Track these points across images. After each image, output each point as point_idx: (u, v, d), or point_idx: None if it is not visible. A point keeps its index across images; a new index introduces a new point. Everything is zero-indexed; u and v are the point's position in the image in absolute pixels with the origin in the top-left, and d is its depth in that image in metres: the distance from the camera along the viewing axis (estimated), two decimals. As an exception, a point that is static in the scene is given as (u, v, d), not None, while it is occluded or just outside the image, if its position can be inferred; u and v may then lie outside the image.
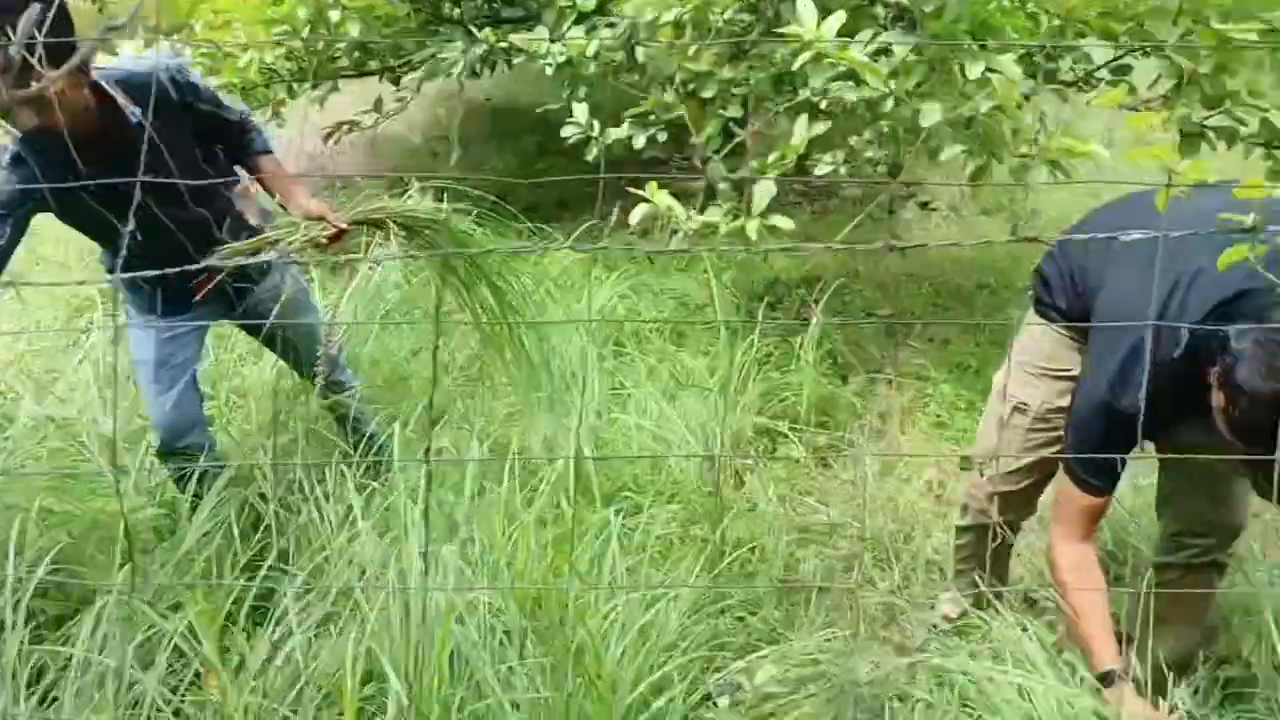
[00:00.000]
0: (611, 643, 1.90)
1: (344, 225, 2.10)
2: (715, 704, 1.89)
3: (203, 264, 1.72)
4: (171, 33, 4.08)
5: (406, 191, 5.08)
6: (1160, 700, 1.90)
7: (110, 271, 2.43)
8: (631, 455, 2.80)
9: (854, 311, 4.09)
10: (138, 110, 2.09)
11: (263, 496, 2.41)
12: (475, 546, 2.09)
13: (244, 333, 2.91)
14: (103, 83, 2.06)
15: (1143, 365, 1.61)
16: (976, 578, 2.16)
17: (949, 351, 3.69)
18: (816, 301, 3.75)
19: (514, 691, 1.68)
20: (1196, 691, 1.87)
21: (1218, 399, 1.52)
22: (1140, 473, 2.51)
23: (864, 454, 3.01)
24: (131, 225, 1.29)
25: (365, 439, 2.67)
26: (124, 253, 2.11)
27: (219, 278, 2.25)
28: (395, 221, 2.18)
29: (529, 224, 4.82)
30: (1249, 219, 1.05)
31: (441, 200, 4.97)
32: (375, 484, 2.38)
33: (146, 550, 2.17)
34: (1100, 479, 1.75)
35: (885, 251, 1.30)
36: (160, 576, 2.05)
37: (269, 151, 2.38)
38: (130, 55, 2.32)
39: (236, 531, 2.26)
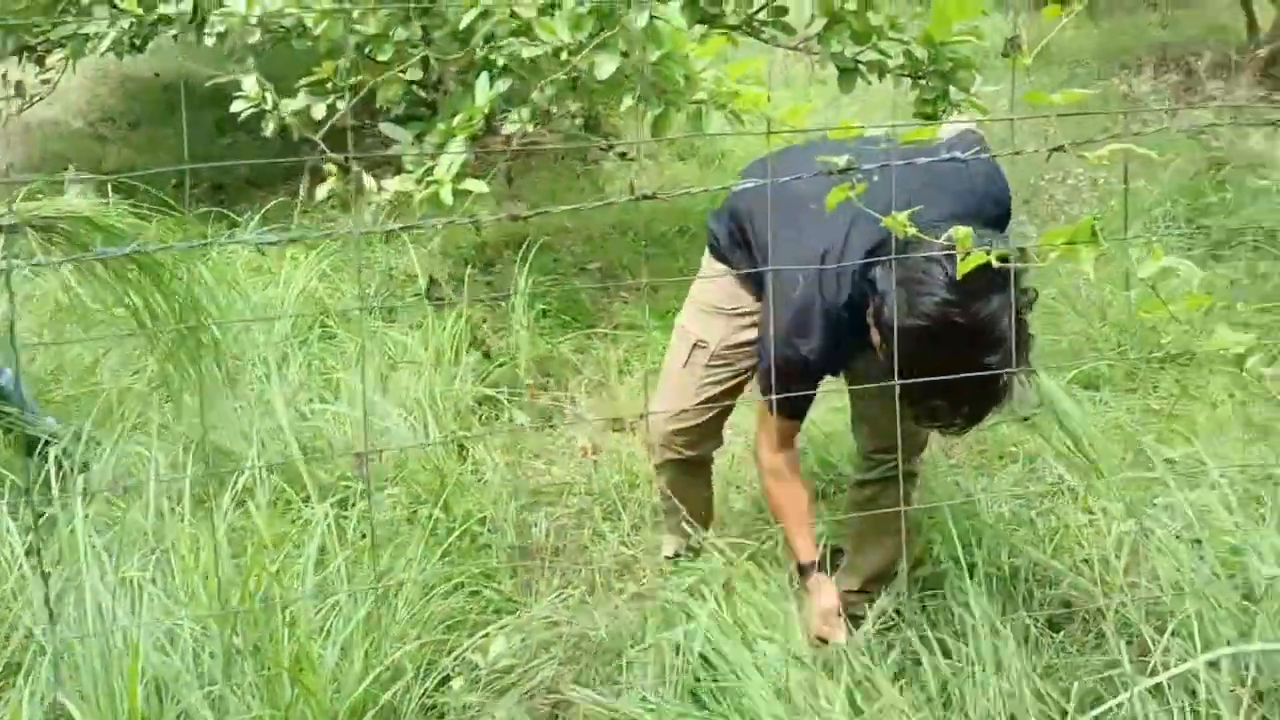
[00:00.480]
0: (335, 643, 1.81)
1: None
2: (451, 687, 1.85)
3: None
4: None
5: (68, 182, 4.60)
6: (867, 605, 2.06)
7: None
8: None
9: (565, 267, 4.10)
10: None
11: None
12: (172, 569, 1.93)
13: None
14: None
15: (816, 315, 1.71)
16: (685, 517, 2.24)
17: (659, 300, 3.78)
18: (525, 261, 3.73)
19: (227, 715, 1.57)
20: (898, 595, 2.02)
21: (875, 336, 1.63)
22: (838, 397, 2.68)
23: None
24: None
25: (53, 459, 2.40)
26: None
27: None
28: (32, 225, 1.95)
29: (214, 208, 4.49)
30: (842, 160, 1.12)
31: (111, 191, 4.53)
32: (50, 510, 2.13)
33: None
34: (787, 410, 1.85)
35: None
36: None
37: None
38: None
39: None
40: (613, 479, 2.72)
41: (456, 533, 2.32)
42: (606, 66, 3.01)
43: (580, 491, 2.73)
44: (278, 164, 4.48)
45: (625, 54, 3.12)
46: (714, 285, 2.08)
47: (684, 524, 2.26)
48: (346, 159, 3.11)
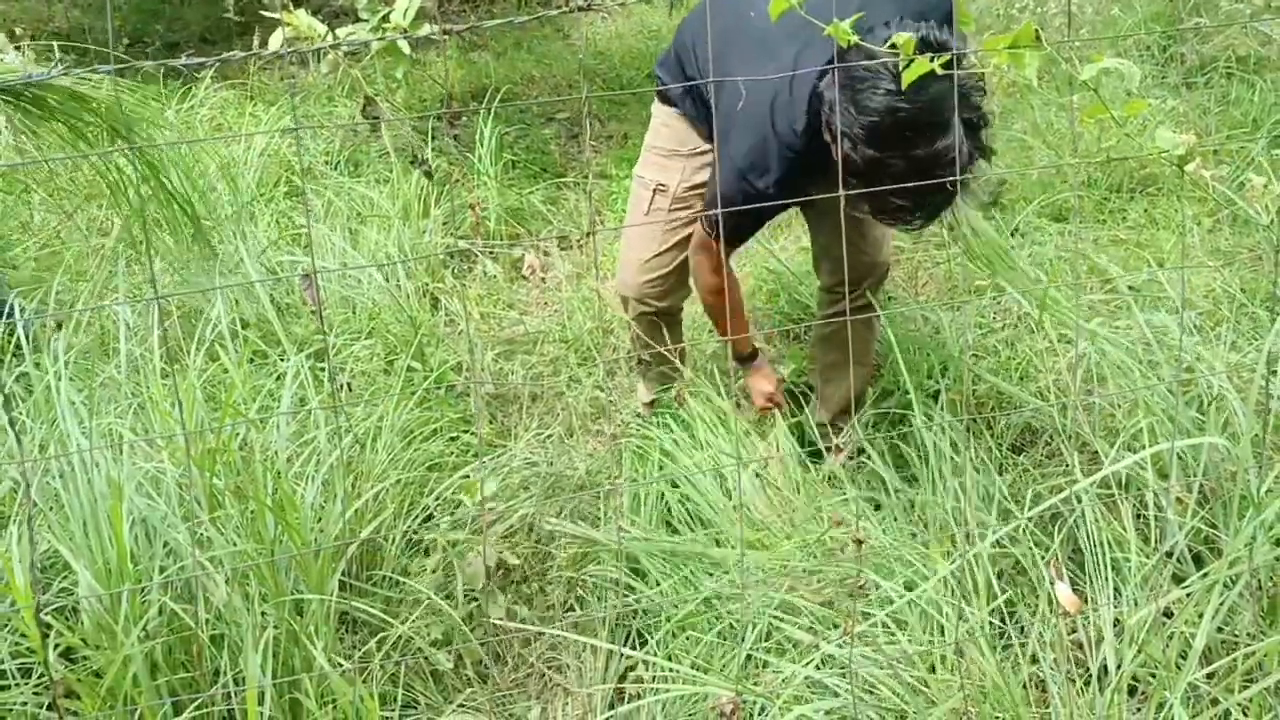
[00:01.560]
0: (314, 482, 1.85)
1: None
2: (438, 525, 1.90)
3: None
4: None
5: (17, 46, 4.44)
6: (837, 436, 2.12)
7: None
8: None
9: (532, 118, 4.03)
10: None
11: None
12: (151, 421, 1.96)
13: None
14: None
15: (772, 150, 1.71)
16: (661, 369, 2.28)
17: (629, 148, 3.73)
18: (490, 113, 3.66)
19: (212, 549, 1.62)
20: (869, 425, 2.08)
21: (836, 152, 1.63)
22: (803, 235, 2.68)
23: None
24: None
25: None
26: None
27: None
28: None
29: (167, 63, 4.34)
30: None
31: (70, 51, 4.38)
32: (24, 366, 2.14)
33: None
34: (733, 237, 1.90)
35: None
36: None
37: None
38: None
39: None
40: (585, 325, 2.74)
41: (433, 379, 2.34)
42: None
43: (555, 340, 2.75)
44: (240, 22, 4.32)
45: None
46: (666, 129, 2.07)
47: (660, 373, 2.31)
48: (299, 6, 3.00)
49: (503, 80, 3.91)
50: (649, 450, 2.11)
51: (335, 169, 3.42)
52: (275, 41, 2.96)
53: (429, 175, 2.78)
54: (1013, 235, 2.91)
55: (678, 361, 2.23)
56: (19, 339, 2.15)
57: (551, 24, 4.77)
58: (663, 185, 2.07)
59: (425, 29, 2.99)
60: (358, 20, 3.19)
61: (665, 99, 2.05)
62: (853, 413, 2.17)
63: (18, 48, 4.39)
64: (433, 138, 3.47)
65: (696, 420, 2.07)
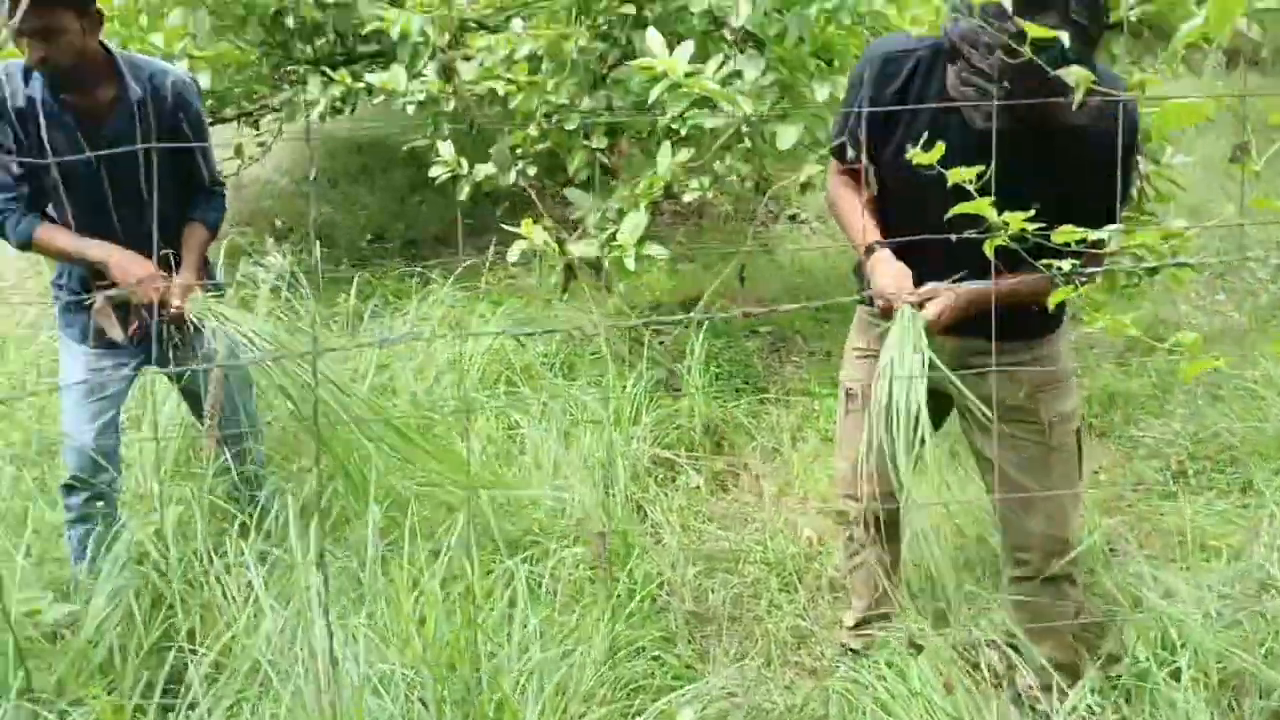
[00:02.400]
0: (530, 699, 1.89)
1: (178, 305, 2.20)
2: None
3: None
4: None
5: (274, 237, 4.97)
6: (1055, 699, 2.00)
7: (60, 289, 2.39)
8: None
9: (736, 331, 4.16)
10: (139, 90, 2.21)
11: (160, 572, 2.31)
12: (381, 613, 2.05)
13: (169, 383, 2.78)
14: (114, 52, 2.22)
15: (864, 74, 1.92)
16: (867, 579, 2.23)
17: (832, 365, 3.78)
18: (699, 322, 3.81)
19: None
20: (1094, 691, 1.96)
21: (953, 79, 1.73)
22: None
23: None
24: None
25: (259, 506, 2.60)
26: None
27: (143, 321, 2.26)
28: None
29: (407, 263, 4.76)
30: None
31: (313, 243, 4.86)
32: (276, 551, 2.30)
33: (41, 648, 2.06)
34: (838, 155, 2.02)
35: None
36: (60, 669, 1.94)
37: (210, 227, 2.42)
38: None
39: (138, 613, 2.16)
40: (789, 549, 2.73)
41: (639, 596, 2.37)
42: (788, 137, 3.07)
43: (756, 560, 2.74)
44: (471, 218, 4.71)
45: (806, 126, 3.19)
46: (854, 328, 2.13)
47: (867, 586, 2.27)
48: (535, 222, 3.25)
49: (711, 294, 4.08)
50: (856, 697, 2.05)
51: (551, 370, 3.60)
52: (514, 253, 3.23)
53: (674, 391, 2.89)
54: (1243, 493, 2.76)
55: (885, 580, 2.18)
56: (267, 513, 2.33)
57: (758, 239, 4.97)
58: (852, 388, 2.12)
59: (651, 248, 3.19)
60: (584, 236, 3.45)
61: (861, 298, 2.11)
62: (1067, 675, 2.03)
63: (279, 239, 4.92)
64: (643, 345, 3.63)
65: (911, 667, 2.00)
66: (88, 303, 2.24)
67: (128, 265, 2.19)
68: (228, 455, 2.48)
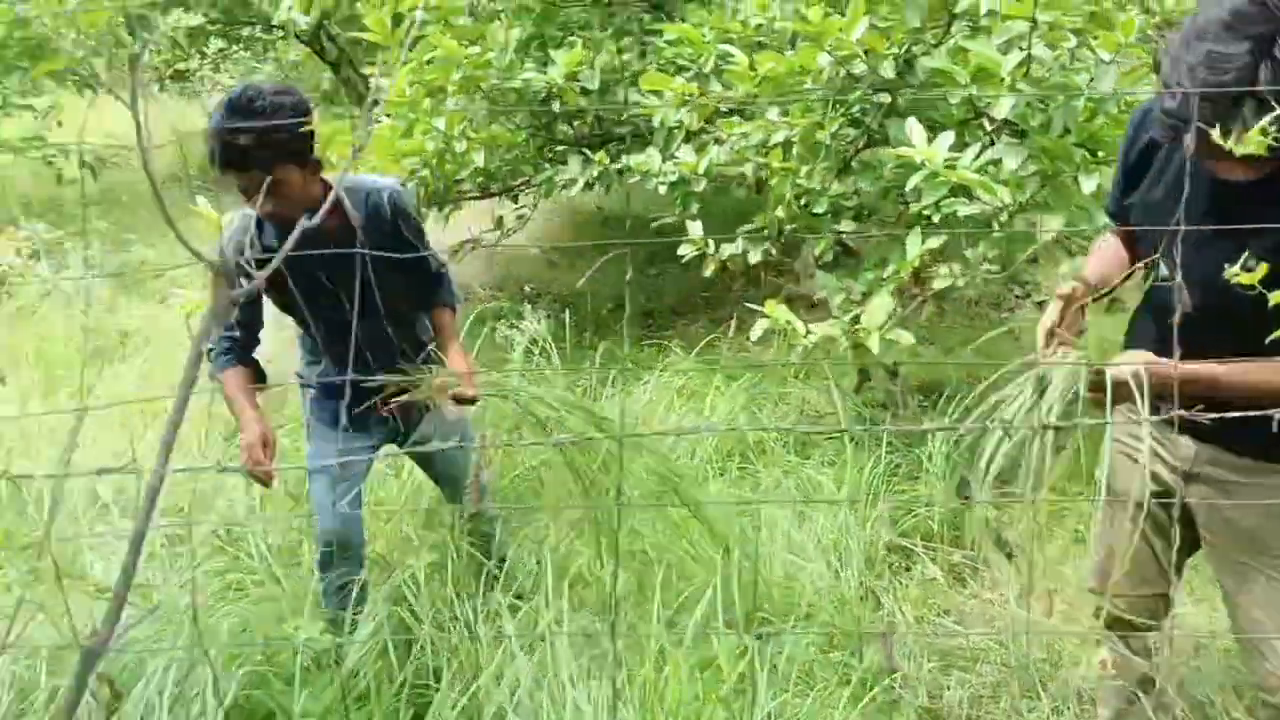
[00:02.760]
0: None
1: (474, 394, 2.31)
2: None
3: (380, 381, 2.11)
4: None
5: (526, 301, 5.27)
6: None
7: (307, 381, 2.61)
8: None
9: (985, 416, 4.04)
10: (359, 215, 2.31)
11: (414, 614, 2.49)
12: (623, 675, 2.12)
13: (409, 457, 3.01)
14: (332, 184, 2.25)
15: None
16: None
17: (1080, 463, 3.60)
18: (936, 407, 3.73)
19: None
20: None
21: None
22: None
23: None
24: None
25: (503, 561, 2.75)
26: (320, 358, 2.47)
27: (396, 400, 2.37)
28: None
29: (644, 332, 4.94)
30: None
31: (562, 311, 5.13)
32: (524, 605, 2.43)
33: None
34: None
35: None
36: (327, 697, 2.13)
37: (452, 307, 2.59)
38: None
39: (393, 651, 2.34)
40: (1033, 653, 2.61)
41: (873, 689, 2.34)
42: (1052, 225, 3.00)
43: (995, 660, 2.64)
44: (708, 291, 4.84)
45: (1072, 218, 3.10)
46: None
47: (1119, 698, 2.14)
48: (780, 300, 3.30)
49: (954, 380, 3.99)
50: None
51: (785, 447, 3.62)
52: (757, 331, 3.29)
53: (1009, 556, 2.85)
54: None
55: (1140, 696, 2.06)
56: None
57: (1004, 324, 4.83)
58: (1110, 490, 1.99)
59: (896, 333, 3.18)
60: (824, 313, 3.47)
61: None
62: None
63: (531, 302, 5.22)
64: (880, 424, 3.59)
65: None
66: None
67: (249, 444, 2.30)
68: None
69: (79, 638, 1.33)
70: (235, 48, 8.54)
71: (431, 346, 2.53)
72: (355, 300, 2.30)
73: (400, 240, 2.39)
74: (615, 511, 1.92)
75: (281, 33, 7.88)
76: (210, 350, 2.37)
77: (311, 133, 2.19)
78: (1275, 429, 1.43)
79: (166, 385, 4.28)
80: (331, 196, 1.56)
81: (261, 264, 2.26)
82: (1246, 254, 1.40)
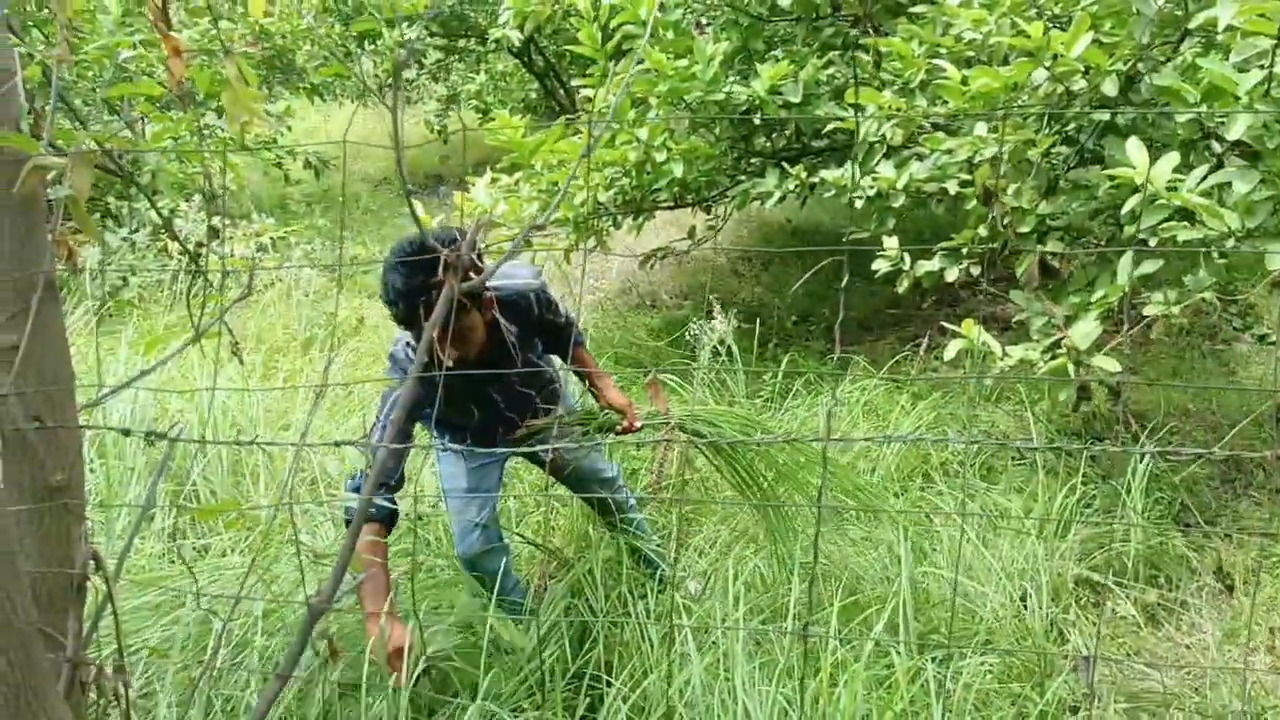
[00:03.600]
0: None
1: (637, 425, 2.46)
2: None
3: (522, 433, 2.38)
4: (513, 170, 4.56)
5: (710, 312, 5.35)
6: None
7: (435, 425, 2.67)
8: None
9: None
10: (515, 329, 2.41)
11: (590, 609, 2.58)
12: (795, 685, 2.15)
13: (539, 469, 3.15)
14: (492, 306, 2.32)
15: None
16: None
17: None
18: (1137, 439, 3.56)
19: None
20: None
21: None
22: None
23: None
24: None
25: (657, 568, 2.84)
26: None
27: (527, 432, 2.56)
28: (681, 429, 2.42)
29: (828, 345, 4.92)
30: None
31: (750, 320, 5.18)
32: (697, 607, 2.49)
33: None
34: None
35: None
36: (510, 683, 2.24)
37: (582, 344, 2.71)
38: (506, 270, 2.54)
39: (567, 641, 2.45)
40: (1231, 704, 2.46)
41: (1054, 720, 2.27)
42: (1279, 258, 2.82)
43: (1189, 708, 2.50)
44: (895, 307, 4.78)
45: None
46: None
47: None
48: (979, 320, 3.24)
49: (1159, 410, 3.80)
50: None
51: (972, 469, 3.54)
52: (951, 351, 3.24)
53: (1228, 589, 2.74)
54: None
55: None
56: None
57: (1216, 357, 4.54)
58: None
59: (1101, 360, 3.06)
60: (1026, 339, 3.37)
61: None
62: None
63: (724, 309, 5.29)
64: (1074, 456, 3.45)
65: None
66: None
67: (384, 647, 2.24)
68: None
69: (307, 598, 1.47)
70: (452, 58, 9.02)
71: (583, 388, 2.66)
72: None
73: (543, 323, 2.54)
74: (817, 513, 1.94)
75: (495, 45, 8.29)
76: (357, 489, 2.28)
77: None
78: None
79: (368, 372, 4.58)
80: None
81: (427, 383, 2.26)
82: None
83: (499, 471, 2.78)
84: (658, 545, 2.90)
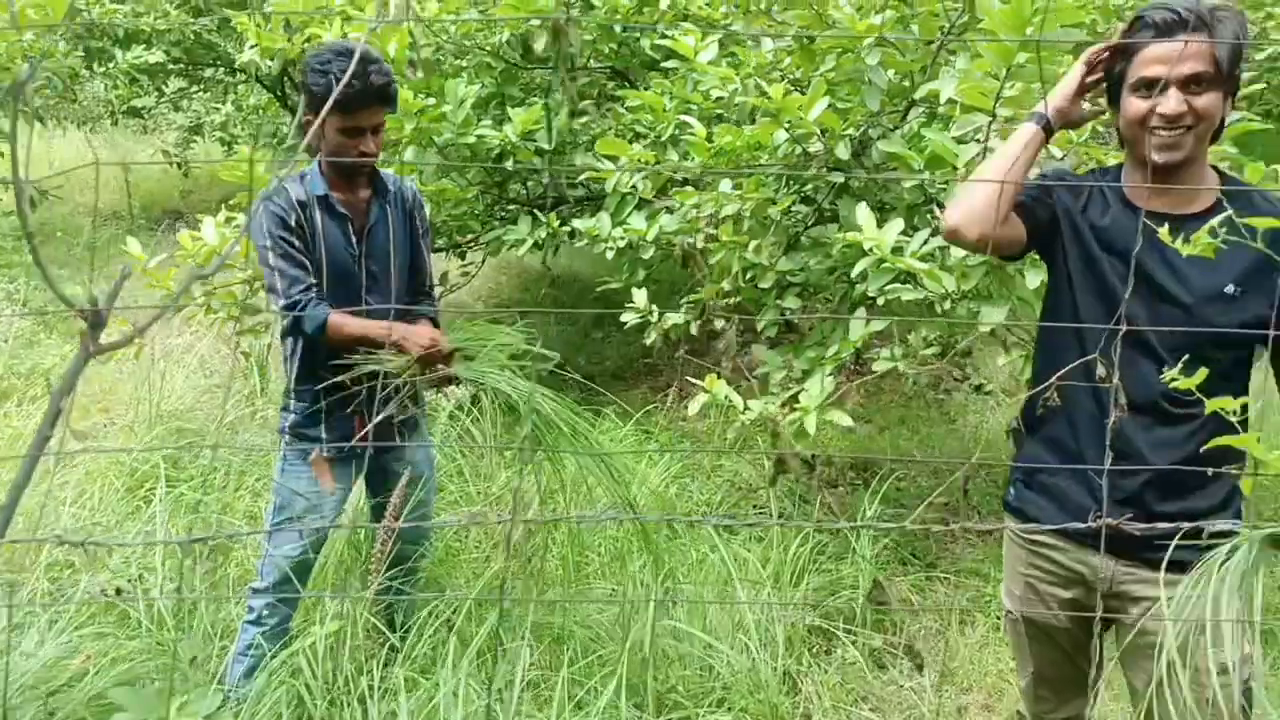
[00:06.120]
0: None
1: (448, 346, 2.43)
2: None
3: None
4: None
5: (468, 356, 5.20)
6: None
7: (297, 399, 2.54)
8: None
9: (908, 499, 4.03)
10: (390, 189, 2.52)
11: (309, 689, 2.37)
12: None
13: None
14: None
15: None
16: None
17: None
18: (867, 485, 3.72)
19: None
20: None
21: None
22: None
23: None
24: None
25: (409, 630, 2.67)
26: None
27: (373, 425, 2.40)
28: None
29: (583, 395, 4.89)
30: None
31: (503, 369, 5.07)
32: (423, 680, 2.33)
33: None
34: None
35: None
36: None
37: (432, 320, 2.65)
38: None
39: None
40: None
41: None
42: (993, 317, 3.01)
43: (910, 751, 2.58)
44: (648, 358, 4.82)
45: (1013, 309, 3.12)
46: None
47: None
48: (718, 374, 3.29)
49: (886, 457, 3.99)
50: None
51: (709, 518, 3.57)
52: (695, 406, 3.27)
53: (919, 668, 2.82)
54: None
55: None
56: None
57: (939, 407, 4.85)
58: (1011, 613, 1.99)
59: (833, 414, 3.16)
60: (765, 393, 3.46)
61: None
62: None
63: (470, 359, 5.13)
64: (810, 504, 3.56)
65: None
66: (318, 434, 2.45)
67: (414, 335, 2.38)
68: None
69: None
70: (195, 88, 8.48)
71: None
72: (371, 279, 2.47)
73: (412, 232, 2.60)
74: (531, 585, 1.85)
75: (244, 75, 7.85)
76: (293, 306, 2.34)
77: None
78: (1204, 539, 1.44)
79: (77, 427, 4.13)
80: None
81: (306, 211, 2.39)
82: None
83: (340, 506, 2.59)
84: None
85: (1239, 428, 1.33)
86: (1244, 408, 1.70)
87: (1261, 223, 1.28)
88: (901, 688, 2.90)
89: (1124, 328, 1.48)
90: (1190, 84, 1.61)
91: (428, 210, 2.70)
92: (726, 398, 3.11)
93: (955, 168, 3.04)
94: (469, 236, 4.81)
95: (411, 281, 2.63)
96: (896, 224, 2.95)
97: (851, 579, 3.24)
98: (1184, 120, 1.62)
